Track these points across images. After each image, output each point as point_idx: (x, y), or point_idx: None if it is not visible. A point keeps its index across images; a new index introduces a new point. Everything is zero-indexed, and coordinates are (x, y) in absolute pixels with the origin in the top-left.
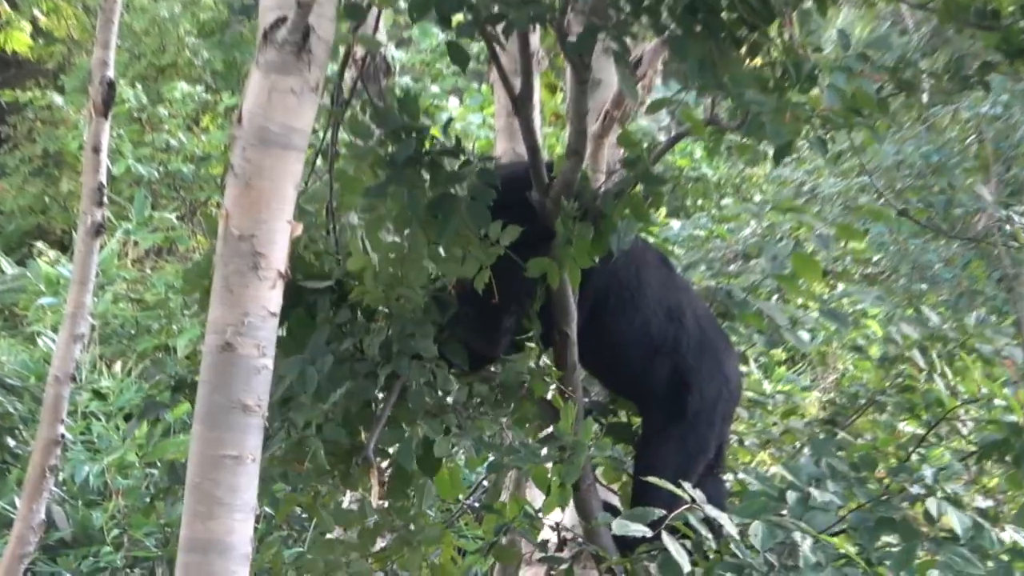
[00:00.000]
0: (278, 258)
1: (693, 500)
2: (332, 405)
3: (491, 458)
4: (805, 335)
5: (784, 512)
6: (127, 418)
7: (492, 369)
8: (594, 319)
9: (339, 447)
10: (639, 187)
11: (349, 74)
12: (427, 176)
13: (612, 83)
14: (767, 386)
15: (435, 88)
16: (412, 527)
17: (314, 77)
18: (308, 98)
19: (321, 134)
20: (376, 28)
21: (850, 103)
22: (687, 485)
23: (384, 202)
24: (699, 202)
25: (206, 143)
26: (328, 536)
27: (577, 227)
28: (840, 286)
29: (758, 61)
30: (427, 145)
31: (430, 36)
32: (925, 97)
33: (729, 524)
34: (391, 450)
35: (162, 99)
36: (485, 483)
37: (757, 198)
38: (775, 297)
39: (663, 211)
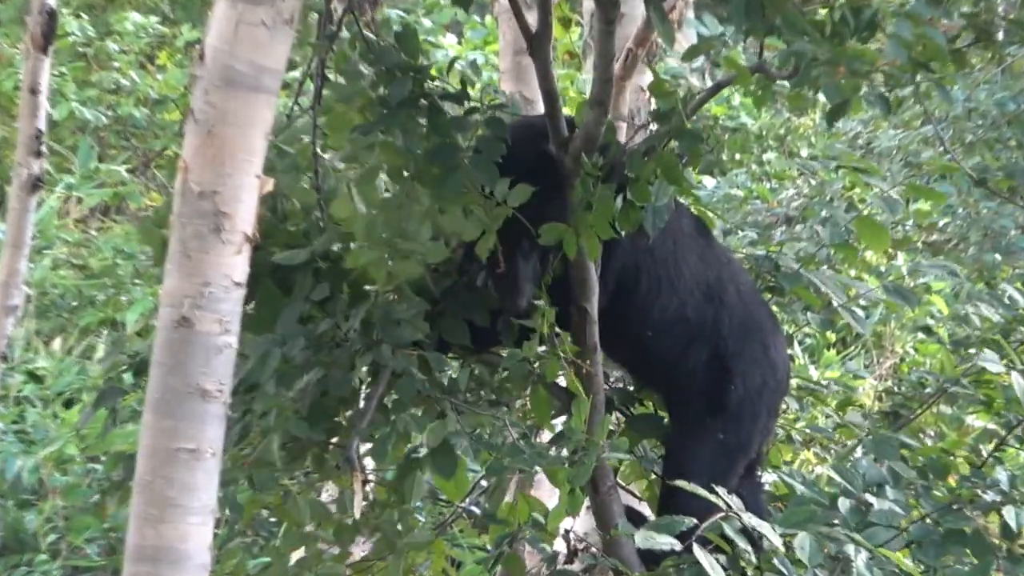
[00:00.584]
0: (244, 219)
1: (730, 508)
2: (298, 393)
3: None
4: (859, 313)
5: (836, 522)
6: (67, 404)
7: (498, 353)
8: (622, 300)
9: (311, 440)
10: (672, 144)
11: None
12: (425, 123)
13: (636, 17)
14: (814, 372)
15: (428, 22)
16: (399, 527)
17: (288, 7)
18: (281, 32)
19: (305, 67)
20: None
21: (916, 56)
22: (722, 491)
23: (374, 151)
24: (737, 156)
25: (162, 84)
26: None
27: (599, 189)
28: (900, 256)
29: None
30: (426, 87)
31: None
32: (1001, 36)
33: (773, 535)
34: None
35: (111, 32)
36: (483, 483)
37: (805, 152)
38: (822, 268)
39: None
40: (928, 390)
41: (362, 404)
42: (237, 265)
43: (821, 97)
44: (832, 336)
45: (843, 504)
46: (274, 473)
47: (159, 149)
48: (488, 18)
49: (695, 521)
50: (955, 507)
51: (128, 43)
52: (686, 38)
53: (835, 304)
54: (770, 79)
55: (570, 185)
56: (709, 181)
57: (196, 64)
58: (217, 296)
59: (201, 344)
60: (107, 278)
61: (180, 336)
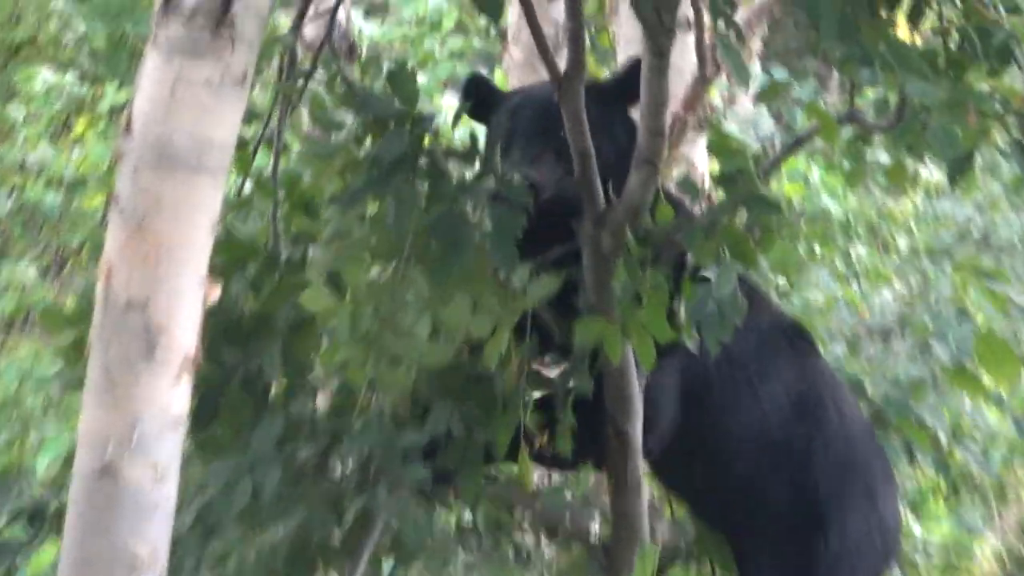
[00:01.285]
0: (185, 336)
1: None
2: (272, 537)
3: None
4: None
5: None
6: None
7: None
8: (684, 415)
9: None
10: (741, 216)
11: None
12: (425, 187)
13: (683, 70)
14: (917, 530)
15: (422, 78)
16: None
17: (239, 63)
18: (230, 95)
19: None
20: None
21: None
22: None
23: (360, 220)
24: (816, 250)
25: (80, 161)
26: None
27: (649, 275)
28: None
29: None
30: (427, 142)
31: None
32: None
33: None
34: None
35: (16, 93)
36: None
37: (903, 245)
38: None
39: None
40: None
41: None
42: (176, 396)
43: (926, 172)
44: (942, 483)
45: None
46: None
47: (76, 245)
48: (497, 72)
49: None
50: None
51: (37, 108)
52: (750, 97)
53: (945, 441)
54: (866, 132)
55: (609, 269)
56: (780, 280)
57: (122, 136)
58: (150, 436)
59: (130, 498)
60: (12, 410)
61: (103, 488)
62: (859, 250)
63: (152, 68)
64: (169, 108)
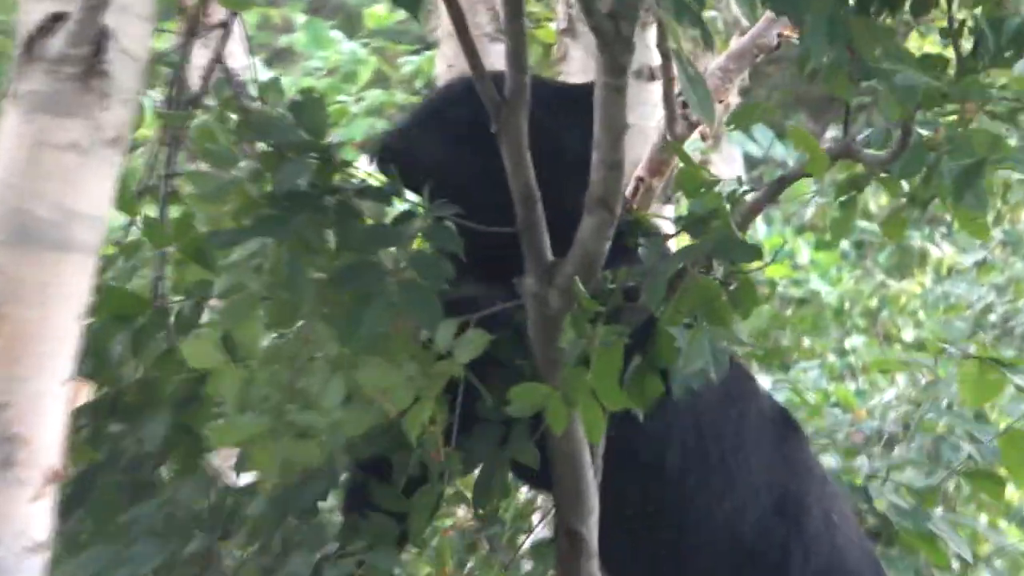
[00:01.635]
0: (48, 445)
1: None
2: None
3: None
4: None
5: None
6: None
7: None
8: (643, 488)
9: None
10: (714, 269)
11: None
12: (333, 230)
13: (647, 131)
14: None
15: (334, 138)
16: None
17: (113, 122)
18: (103, 157)
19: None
20: (228, 25)
21: None
22: None
23: (256, 272)
24: (806, 342)
25: None
26: None
27: (599, 331)
28: None
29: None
30: (335, 177)
31: (327, 44)
32: None
33: None
34: None
35: None
36: None
37: (909, 335)
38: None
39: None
40: None
41: None
42: (37, 517)
43: (936, 250)
44: None
45: None
46: None
47: None
48: None
49: None
50: None
51: None
52: (725, 160)
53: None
54: (869, 170)
55: (557, 329)
56: (765, 378)
57: None
58: (7, 566)
59: None
60: None
61: None
62: (855, 341)
63: (9, 128)
64: (29, 175)
